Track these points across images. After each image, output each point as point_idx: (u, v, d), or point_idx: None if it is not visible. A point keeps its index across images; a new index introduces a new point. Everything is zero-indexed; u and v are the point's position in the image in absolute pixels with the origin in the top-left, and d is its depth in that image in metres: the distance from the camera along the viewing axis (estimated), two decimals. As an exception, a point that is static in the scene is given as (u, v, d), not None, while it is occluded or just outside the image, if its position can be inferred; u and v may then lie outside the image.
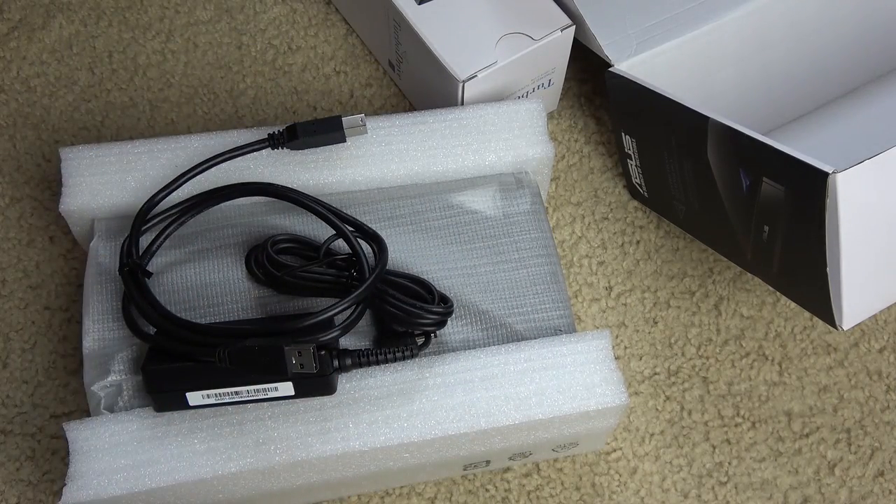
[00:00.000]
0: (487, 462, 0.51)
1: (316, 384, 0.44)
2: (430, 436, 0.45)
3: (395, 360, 0.46)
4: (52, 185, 0.60)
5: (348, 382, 0.46)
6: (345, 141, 0.52)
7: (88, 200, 0.50)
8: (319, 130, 0.51)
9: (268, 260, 0.48)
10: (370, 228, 0.49)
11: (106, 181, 0.50)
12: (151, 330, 0.46)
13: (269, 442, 0.45)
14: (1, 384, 0.54)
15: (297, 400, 0.46)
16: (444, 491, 0.53)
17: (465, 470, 0.52)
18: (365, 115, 0.53)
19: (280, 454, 0.44)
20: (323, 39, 0.67)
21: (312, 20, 0.67)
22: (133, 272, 0.47)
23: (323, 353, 0.43)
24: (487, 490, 0.53)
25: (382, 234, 0.50)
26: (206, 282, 0.49)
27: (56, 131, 0.62)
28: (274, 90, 0.65)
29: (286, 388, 0.44)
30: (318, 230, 0.51)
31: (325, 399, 0.45)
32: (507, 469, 0.54)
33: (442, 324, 0.47)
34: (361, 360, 0.45)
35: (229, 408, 0.45)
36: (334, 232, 0.49)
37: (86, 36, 0.66)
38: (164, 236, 0.49)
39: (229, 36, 0.67)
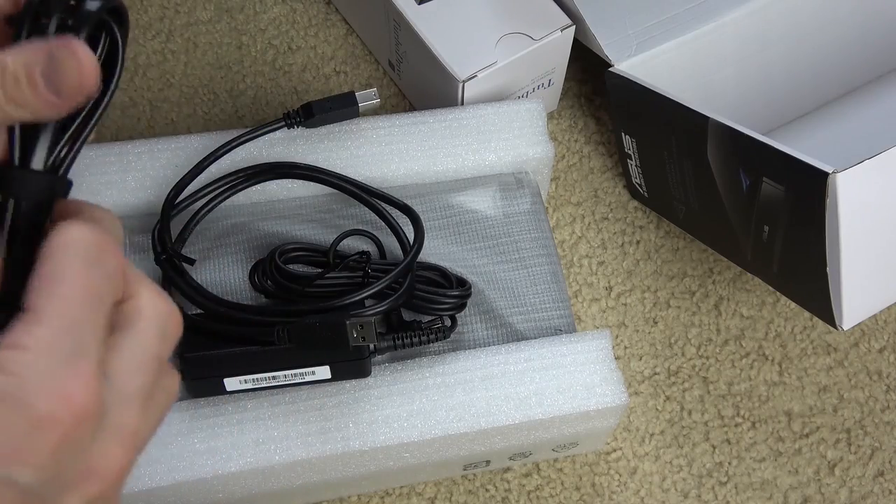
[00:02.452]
0: (487, 462, 0.51)
1: (352, 367, 0.45)
2: (430, 436, 0.45)
3: (428, 341, 0.46)
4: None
5: (348, 382, 0.46)
6: (358, 115, 0.53)
7: (88, 200, 0.50)
8: (334, 107, 0.52)
9: (279, 273, 0.47)
10: (400, 200, 0.50)
11: (106, 181, 0.50)
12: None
13: (269, 442, 0.45)
14: None
15: (300, 400, 0.46)
16: (444, 491, 0.53)
17: (465, 470, 0.52)
18: (365, 115, 0.53)
19: (280, 454, 0.44)
20: (323, 39, 0.67)
21: (312, 20, 0.67)
22: (171, 259, 0.47)
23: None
24: (487, 490, 0.53)
25: (380, 234, 0.50)
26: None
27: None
28: (274, 90, 0.65)
29: (323, 371, 0.44)
30: (311, 232, 0.51)
31: (326, 399, 0.45)
32: (507, 469, 0.54)
33: (462, 306, 0.48)
34: (397, 342, 0.45)
35: (229, 407, 0.45)
36: (340, 234, 0.49)
37: (86, 36, 0.66)
38: (194, 222, 0.49)
39: (229, 36, 0.67)
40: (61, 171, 0.29)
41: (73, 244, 0.27)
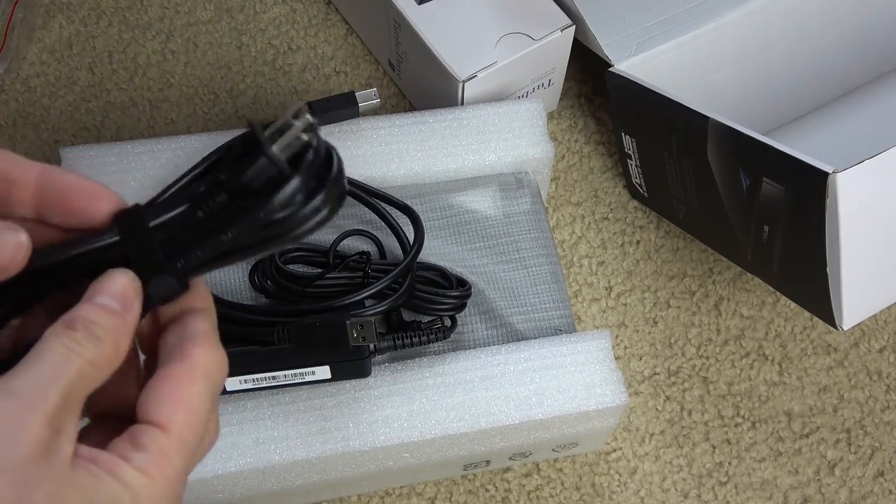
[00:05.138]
0: (487, 462, 0.51)
1: (352, 367, 0.45)
2: (430, 436, 0.45)
3: (428, 341, 0.46)
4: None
5: (348, 382, 0.46)
6: (358, 115, 0.53)
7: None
8: (334, 106, 0.52)
9: (279, 273, 0.48)
10: (400, 200, 0.50)
11: (106, 181, 0.50)
12: None
13: (268, 442, 0.45)
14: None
15: (300, 400, 0.46)
16: (444, 491, 0.53)
17: (465, 470, 0.52)
18: (365, 115, 0.53)
19: (280, 454, 0.44)
20: (323, 39, 0.67)
21: (312, 20, 0.67)
22: None
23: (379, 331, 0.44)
24: (487, 490, 0.53)
25: (380, 234, 0.50)
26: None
27: (56, 131, 0.62)
28: (274, 90, 0.65)
29: (323, 371, 0.44)
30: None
31: (326, 399, 0.45)
32: (507, 469, 0.54)
33: (462, 307, 0.48)
34: (397, 342, 0.45)
35: (229, 407, 0.45)
36: (339, 234, 0.49)
37: (86, 36, 0.66)
38: None
39: (229, 36, 0.67)
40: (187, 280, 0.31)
41: (205, 377, 0.31)
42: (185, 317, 0.32)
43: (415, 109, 0.63)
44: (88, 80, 0.64)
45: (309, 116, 0.29)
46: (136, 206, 0.31)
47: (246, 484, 0.45)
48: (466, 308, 0.49)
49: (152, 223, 0.30)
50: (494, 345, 0.48)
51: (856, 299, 0.46)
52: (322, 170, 0.30)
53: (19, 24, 0.63)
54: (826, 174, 0.43)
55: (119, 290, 0.30)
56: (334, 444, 0.45)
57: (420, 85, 0.61)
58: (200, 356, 0.31)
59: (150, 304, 0.30)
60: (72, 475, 0.27)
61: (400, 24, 0.58)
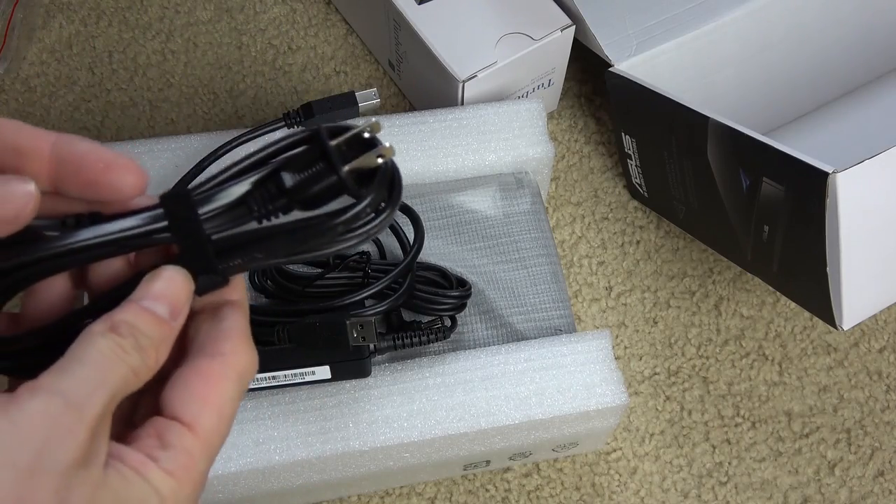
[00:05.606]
0: (487, 462, 0.51)
1: (352, 367, 0.45)
2: (430, 436, 0.45)
3: (428, 341, 0.46)
4: (52, 185, 0.60)
5: (348, 382, 0.46)
6: (358, 115, 0.53)
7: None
8: (334, 106, 0.52)
9: (279, 273, 0.48)
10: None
11: (106, 181, 0.50)
12: None
13: (268, 442, 0.45)
14: (2, 383, 0.54)
15: (300, 400, 0.46)
16: (444, 491, 0.53)
17: (465, 470, 0.52)
18: (365, 115, 0.53)
19: (280, 454, 0.44)
20: (323, 39, 0.67)
21: (312, 20, 0.67)
22: None
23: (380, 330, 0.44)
24: (487, 490, 0.53)
25: (382, 234, 0.50)
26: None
27: (56, 131, 0.62)
28: (274, 90, 0.65)
29: (323, 371, 0.44)
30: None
31: (326, 399, 0.45)
32: (507, 469, 0.54)
33: (462, 307, 0.48)
34: (397, 342, 0.45)
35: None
36: None
37: (86, 36, 0.66)
38: None
39: (229, 36, 0.67)
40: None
41: (238, 378, 0.30)
42: (220, 309, 0.31)
43: (415, 109, 0.63)
44: (88, 80, 0.64)
45: (384, 142, 0.29)
46: (186, 191, 0.29)
47: (246, 484, 0.45)
48: (466, 308, 0.49)
49: (202, 213, 0.29)
50: (494, 345, 0.48)
51: (856, 299, 0.46)
52: (389, 189, 0.29)
53: (19, 24, 0.63)
54: (826, 174, 0.43)
55: (173, 296, 0.29)
56: (334, 444, 0.45)
57: (420, 85, 0.61)
58: (235, 355, 0.30)
59: None
60: (105, 478, 0.27)
61: (400, 24, 0.58)
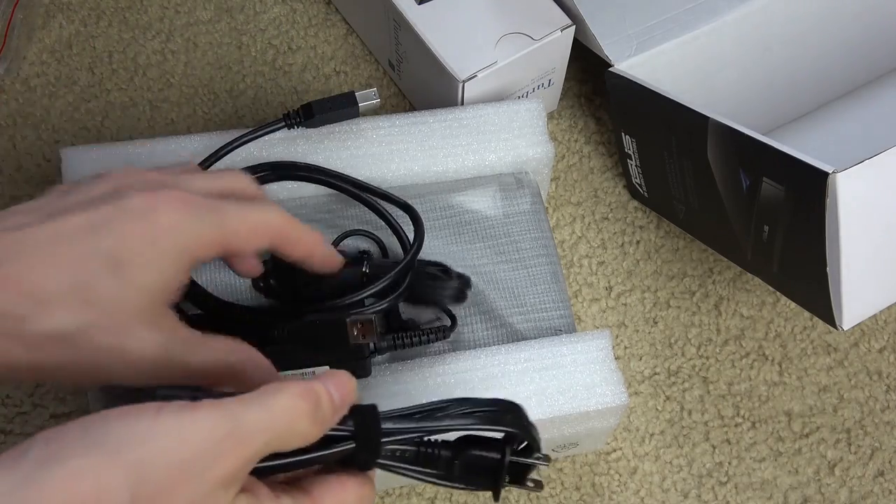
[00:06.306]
0: (487, 462, 0.51)
1: (352, 367, 0.45)
2: (430, 436, 0.45)
3: (428, 341, 0.46)
4: (52, 185, 0.60)
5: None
6: (358, 115, 0.53)
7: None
8: (334, 107, 0.52)
9: (278, 272, 0.47)
10: (400, 199, 0.50)
11: (106, 181, 0.50)
12: None
13: (269, 442, 0.45)
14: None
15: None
16: (444, 491, 0.53)
17: (465, 470, 0.52)
18: (365, 115, 0.53)
19: (280, 454, 0.44)
20: (323, 39, 0.67)
21: (312, 20, 0.67)
22: None
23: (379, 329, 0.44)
24: (487, 490, 0.53)
25: (382, 233, 0.50)
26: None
27: (56, 131, 0.62)
28: (274, 90, 0.65)
29: (323, 371, 0.44)
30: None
31: (325, 399, 0.45)
32: (507, 469, 0.53)
33: (463, 295, 0.48)
34: (397, 342, 0.45)
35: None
36: (340, 234, 0.49)
37: (86, 36, 0.66)
38: None
39: (229, 36, 0.67)
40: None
41: (359, 498, 0.35)
42: None
43: (415, 109, 0.63)
44: (88, 80, 0.64)
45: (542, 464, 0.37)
46: (374, 409, 0.35)
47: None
48: (467, 308, 0.49)
49: (384, 439, 0.35)
50: (494, 345, 0.48)
51: (856, 299, 0.46)
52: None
53: (19, 24, 0.63)
54: (826, 174, 0.43)
55: (348, 391, 0.34)
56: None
57: (420, 85, 0.61)
58: (369, 484, 0.35)
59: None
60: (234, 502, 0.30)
61: (400, 24, 0.58)
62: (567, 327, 0.50)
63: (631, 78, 0.55)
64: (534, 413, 0.46)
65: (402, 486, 0.53)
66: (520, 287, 0.51)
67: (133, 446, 0.27)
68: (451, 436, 0.36)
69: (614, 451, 0.55)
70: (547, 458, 0.37)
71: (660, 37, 0.57)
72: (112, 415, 0.28)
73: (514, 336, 0.49)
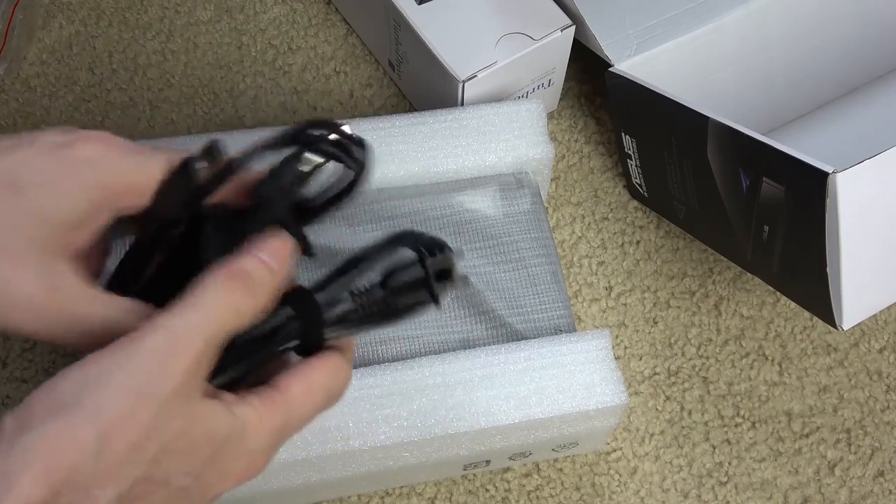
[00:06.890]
0: (487, 462, 0.51)
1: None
2: (430, 435, 0.45)
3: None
4: (52, 184, 0.60)
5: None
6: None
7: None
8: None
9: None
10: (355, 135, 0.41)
11: (106, 181, 0.50)
12: None
13: (269, 442, 0.45)
14: (0, 384, 0.54)
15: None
16: (444, 491, 0.53)
17: (465, 470, 0.52)
18: (365, 115, 0.53)
19: (280, 454, 0.44)
20: (323, 39, 0.67)
21: (312, 20, 0.67)
22: None
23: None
24: (487, 490, 0.53)
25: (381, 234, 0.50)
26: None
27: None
28: (274, 90, 0.65)
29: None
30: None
31: (325, 399, 0.45)
32: (507, 469, 0.54)
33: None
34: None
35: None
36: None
37: (86, 36, 0.66)
38: None
39: (229, 36, 0.67)
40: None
41: (332, 372, 0.35)
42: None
43: (415, 110, 0.63)
44: (88, 80, 0.64)
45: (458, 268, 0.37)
46: (306, 291, 0.35)
47: (246, 484, 0.45)
48: (467, 308, 0.49)
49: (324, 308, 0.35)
50: (495, 344, 0.48)
51: (856, 299, 0.46)
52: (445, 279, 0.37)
53: (19, 24, 0.63)
54: (826, 174, 0.43)
55: (277, 248, 0.33)
56: (334, 443, 0.45)
57: (420, 85, 0.61)
58: (334, 357, 0.35)
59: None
60: (198, 409, 0.30)
61: (400, 24, 0.58)
62: (567, 327, 0.50)
63: (631, 78, 0.55)
64: (533, 412, 0.46)
65: (402, 487, 0.53)
66: (520, 287, 0.51)
67: (90, 394, 0.29)
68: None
69: (614, 451, 0.55)
70: (451, 251, 0.37)
71: (660, 37, 0.57)
72: (68, 371, 0.29)
73: (514, 336, 0.49)
